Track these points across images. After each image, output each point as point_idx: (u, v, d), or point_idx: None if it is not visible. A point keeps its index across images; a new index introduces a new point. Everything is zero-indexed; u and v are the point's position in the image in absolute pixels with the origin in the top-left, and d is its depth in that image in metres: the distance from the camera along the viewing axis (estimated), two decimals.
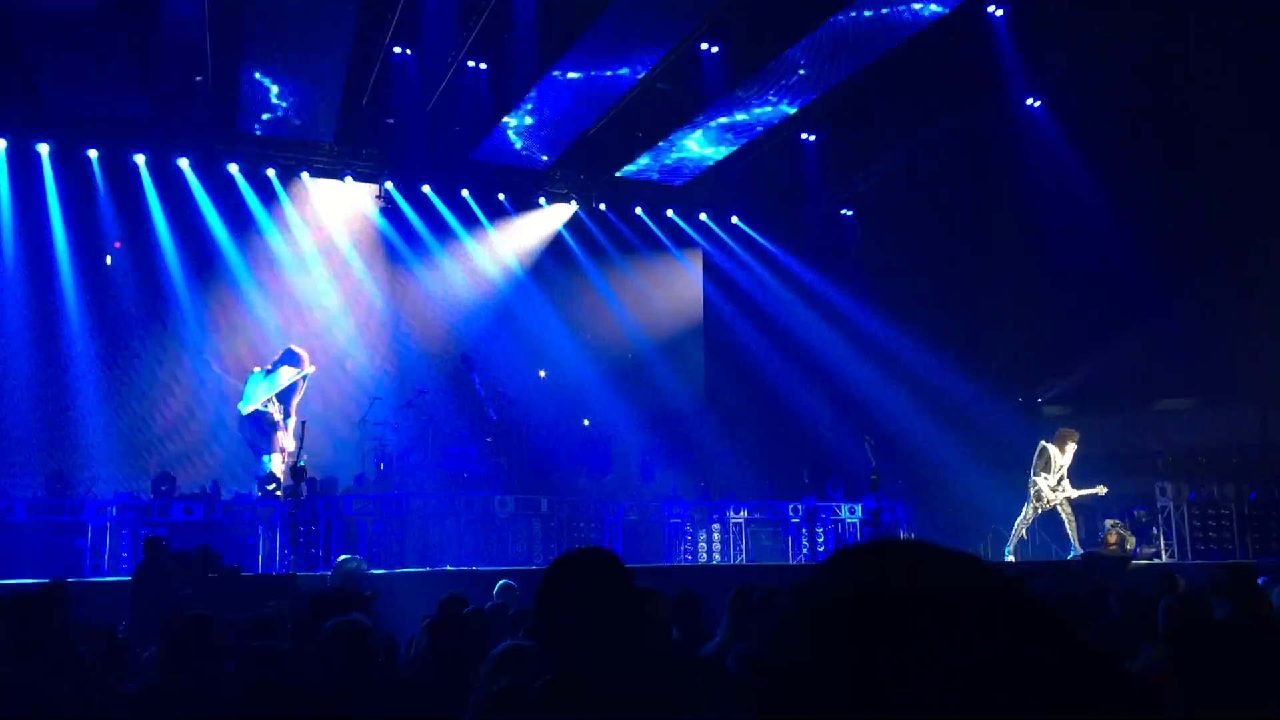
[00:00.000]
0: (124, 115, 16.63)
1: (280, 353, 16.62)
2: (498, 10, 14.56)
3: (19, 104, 16.02)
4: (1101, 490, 15.06)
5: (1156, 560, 15.08)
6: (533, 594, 2.38)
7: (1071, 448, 15.23)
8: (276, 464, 15.88)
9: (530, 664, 2.92)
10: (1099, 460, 16.00)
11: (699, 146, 18.64)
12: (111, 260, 16.82)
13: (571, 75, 15.98)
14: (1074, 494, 15.03)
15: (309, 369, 16.60)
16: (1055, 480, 15.07)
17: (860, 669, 0.76)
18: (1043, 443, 15.31)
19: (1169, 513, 15.49)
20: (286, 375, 16.40)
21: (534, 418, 18.10)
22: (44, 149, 16.50)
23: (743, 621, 4.93)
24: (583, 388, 19.03)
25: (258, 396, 16.35)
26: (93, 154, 16.76)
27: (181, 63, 15.50)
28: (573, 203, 19.93)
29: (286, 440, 16.11)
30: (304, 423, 13.39)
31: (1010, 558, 15.00)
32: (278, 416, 16.42)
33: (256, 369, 16.65)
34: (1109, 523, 14.72)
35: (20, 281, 16.29)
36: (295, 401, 16.39)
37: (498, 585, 8.51)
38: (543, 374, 19.13)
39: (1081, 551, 14.67)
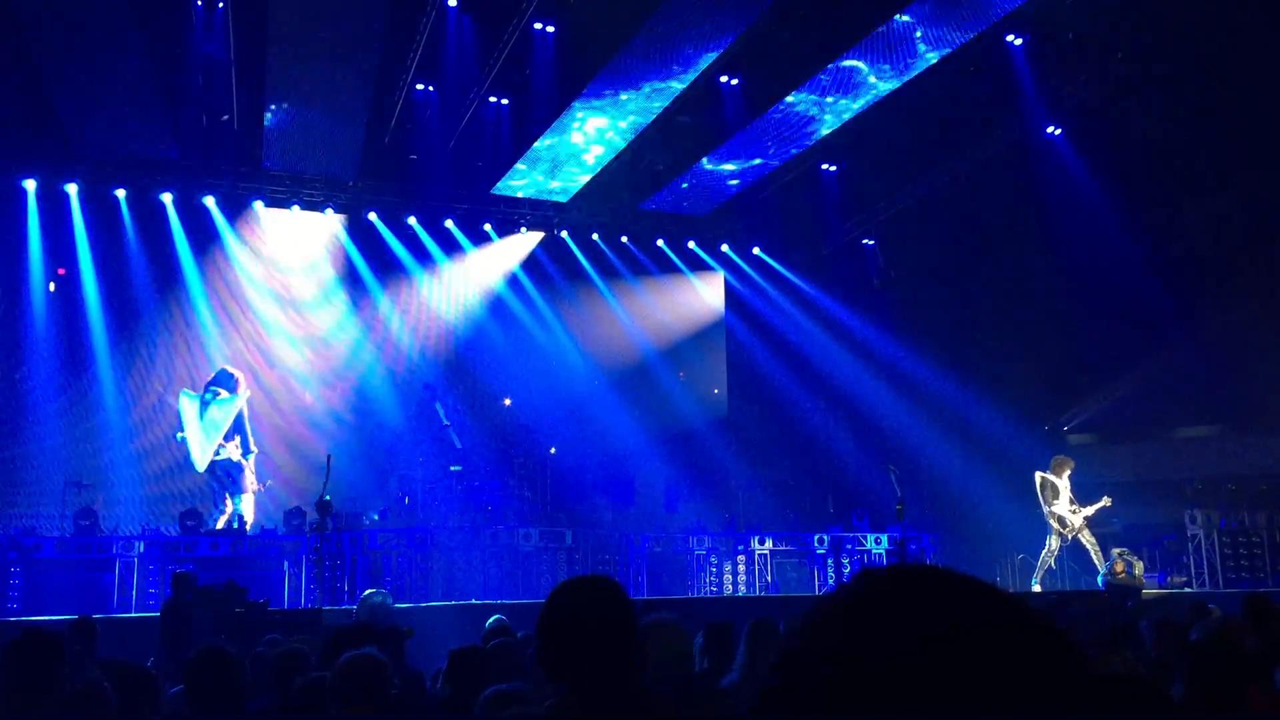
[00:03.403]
0: (151, 155, 16.84)
1: (214, 375, 16.80)
2: (518, 46, 14.71)
3: (48, 145, 16.25)
4: (1107, 502, 14.95)
5: (1188, 589, 14.92)
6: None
7: (1068, 473, 15.16)
8: (248, 504, 15.91)
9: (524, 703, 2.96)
10: (1126, 488, 15.89)
11: (720, 177, 18.73)
12: (55, 287, 16.83)
13: (592, 108, 16.09)
14: (1088, 511, 14.95)
15: (244, 393, 16.70)
16: (1068, 504, 15.00)
17: (864, 662, 0.80)
18: (1039, 474, 15.22)
19: (1199, 541, 15.34)
20: (220, 413, 16.48)
21: (549, 447, 18.23)
22: (73, 189, 16.72)
23: (760, 654, 4.90)
24: (604, 418, 19.03)
25: (205, 447, 16.43)
26: (120, 193, 16.97)
27: (208, 102, 15.73)
28: (595, 235, 20.04)
29: (251, 479, 16.14)
30: (329, 456, 13.45)
31: (1037, 588, 14.88)
32: (236, 455, 16.39)
33: (188, 390, 16.75)
34: (1115, 551, 14.62)
35: (50, 319, 16.48)
36: (249, 430, 16.51)
37: (490, 621, 7.63)
38: (508, 401, 19.20)
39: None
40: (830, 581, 15.66)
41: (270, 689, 4.86)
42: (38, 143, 16.19)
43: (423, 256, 18.94)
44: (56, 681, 4.11)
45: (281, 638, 8.17)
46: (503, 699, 3.19)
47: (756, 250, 20.98)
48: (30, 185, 16.48)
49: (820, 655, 0.83)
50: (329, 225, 18.36)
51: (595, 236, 20.05)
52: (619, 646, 2.30)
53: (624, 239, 20.26)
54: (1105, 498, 14.96)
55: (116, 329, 16.82)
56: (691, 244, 20.71)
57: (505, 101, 16.36)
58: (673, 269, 20.66)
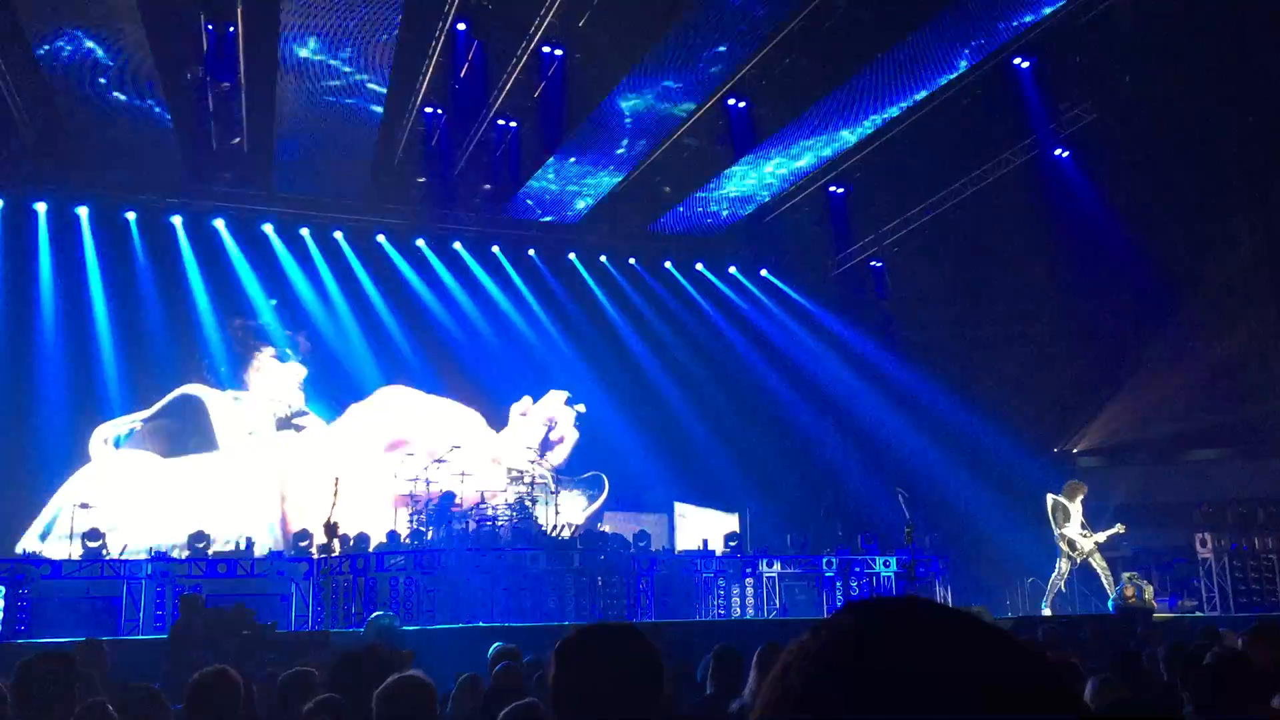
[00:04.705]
0: (161, 178, 16.93)
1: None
2: (528, 70, 14.79)
3: (59, 169, 16.35)
4: (1120, 529, 14.91)
5: (1198, 613, 14.84)
6: (546, 658, 2.32)
7: (1080, 498, 15.12)
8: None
9: None
10: (1136, 511, 15.81)
11: (727, 200, 18.79)
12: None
13: (600, 131, 16.16)
14: (1100, 537, 14.90)
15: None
16: (1079, 528, 14.95)
17: (849, 700, 0.80)
18: (1051, 496, 15.17)
19: (1210, 564, 15.26)
20: None
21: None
22: (83, 212, 16.80)
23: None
24: (611, 439, 19.02)
25: None
26: (130, 216, 17.06)
27: (218, 125, 15.83)
28: (603, 257, 20.11)
29: None
30: (337, 479, 13.44)
31: (1047, 611, 14.80)
32: None
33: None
34: (1125, 576, 14.58)
35: (60, 341, 16.53)
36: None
37: (494, 647, 7.20)
38: (581, 408, 19.28)
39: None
40: (839, 605, 15.57)
41: (277, 713, 4.84)
42: (49, 166, 16.29)
43: (431, 278, 18.98)
44: (71, 703, 4.10)
45: (279, 658, 8.17)
46: (522, 713, 3.17)
47: (764, 272, 21.01)
48: (41, 208, 16.58)
49: (812, 692, 0.84)
50: (338, 247, 18.42)
51: (603, 258, 20.09)
52: (637, 702, 2.19)
53: (632, 260, 20.31)
54: (1119, 525, 14.91)
55: (126, 350, 16.85)
56: (699, 265, 20.76)
57: (514, 124, 16.43)
58: (680, 290, 20.69)
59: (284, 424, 17.63)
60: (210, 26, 13.97)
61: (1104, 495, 16.16)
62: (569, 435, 19.07)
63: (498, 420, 19.13)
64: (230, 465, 17.14)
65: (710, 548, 16.11)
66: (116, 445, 16.76)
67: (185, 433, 17.18)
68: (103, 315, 16.77)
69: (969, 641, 0.83)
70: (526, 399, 19.23)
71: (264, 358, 17.81)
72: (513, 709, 3.21)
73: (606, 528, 17.14)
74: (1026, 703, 0.80)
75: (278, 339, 17.93)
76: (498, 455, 17.90)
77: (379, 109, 15.50)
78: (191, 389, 17.32)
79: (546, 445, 18.81)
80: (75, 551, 13.69)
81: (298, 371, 17.92)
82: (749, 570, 15.70)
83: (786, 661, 0.88)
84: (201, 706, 4.33)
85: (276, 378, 17.85)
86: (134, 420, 16.86)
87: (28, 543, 15.67)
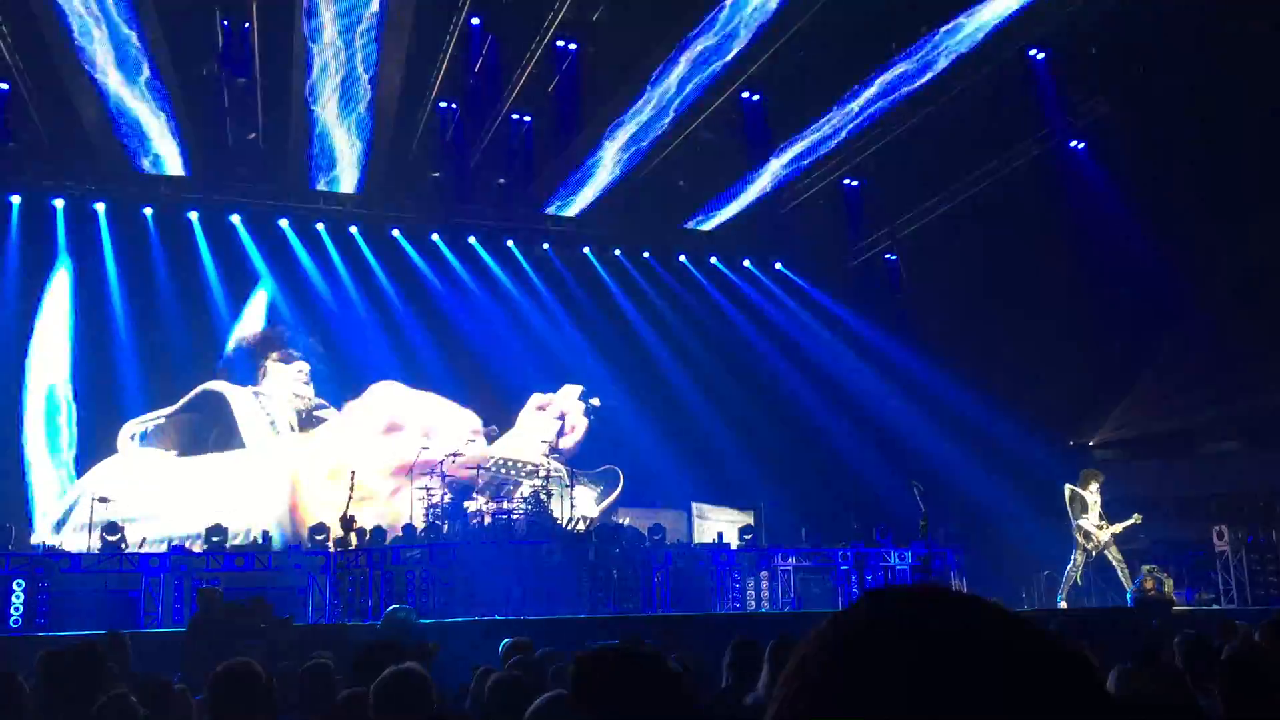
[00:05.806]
0: (178, 174, 16.99)
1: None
2: (542, 64, 14.80)
3: (77, 164, 16.44)
4: (1137, 519, 14.88)
5: (1215, 606, 14.79)
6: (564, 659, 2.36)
7: (1096, 486, 15.10)
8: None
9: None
10: (1153, 504, 15.75)
11: (741, 193, 18.76)
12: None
13: (615, 126, 16.16)
14: (1117, 528, 14.87)
15: None
16: (1096, 519, 14.93)
17: (870, 689, 0.81)
18: (1069, 486, 15.17)
19: (1227, 558, 15.21)
20: None
21: None
22: (100, 208, 16.88)
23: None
24: (626, 434, 19.03)
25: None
26: (148, 211, 17.13)
27: (235, 121, 15.89)
28: (618, 250, 20.13)
29: None
30: (353, 473, 13.47)
31: (1063, 604, 14.77)
32: None
33: None
34: (1145, 568, 14.55)
35: (79, 334, 16.62)
36: None
37: (505, 641, 7.06)
38: (596, 401, 19.30)
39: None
40: (855, 597, 15.50)
41: (296, 706, 4.87)
42: (66, 162, 16.38)
43: (446, 272, 19.01)
44: (96, 695, 4.14)
45: (259, 643, 8.22)
46: (551, 705, 3.19)
47: (778, 265, 20.98)
48: (59, 204, 16.67)
49: (831, 684, 0.83)
50: (353, 242, 18.47)
51: (618, 252, 20.10)
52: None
53: (646, 254, 20.31)
54: (1136, 515, 14.89)
55: (143, 344, 16.93)
56: (713, 259, 20.74)
57: (529, 118, 16.44)
58: (694, 283, 20.69)
59: (306, 418, 17.67)
60: (226, 22, 14.03)
61: (1120, 488, 16.11)
62: (579, 424, 19.06)
63: (499, 417, 19.10)
64: (253, 460, 17.18)
65: (725, 541, 16.12)
66: (142, 440, 16.83)
67: (208, 428, 17.23)
68: (120, 310, 16.86)
69: (991, 630, 0.83)
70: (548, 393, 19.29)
71: (271, 361, 17.84)
72: (543, 702, 3.23)
73: (623, 521, 17.16)
74: (1050, 694, 0.80)
75: (287, 339, 17.96)
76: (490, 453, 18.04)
77: (393, 104, 15.52)
78: (215, 385, 17.39)
79: (559, 435, 18.85)
80: (94, 545, 13.78)
81: (302, 367, 17.93)
82: (764, 564, 15.69)
83: (805, 653, 0.86)
84: (225, 697, 4.36)
85: (284, 377, 17.86)
86: (159, 416, 16.93)
87: (42, 534, 15.76)
